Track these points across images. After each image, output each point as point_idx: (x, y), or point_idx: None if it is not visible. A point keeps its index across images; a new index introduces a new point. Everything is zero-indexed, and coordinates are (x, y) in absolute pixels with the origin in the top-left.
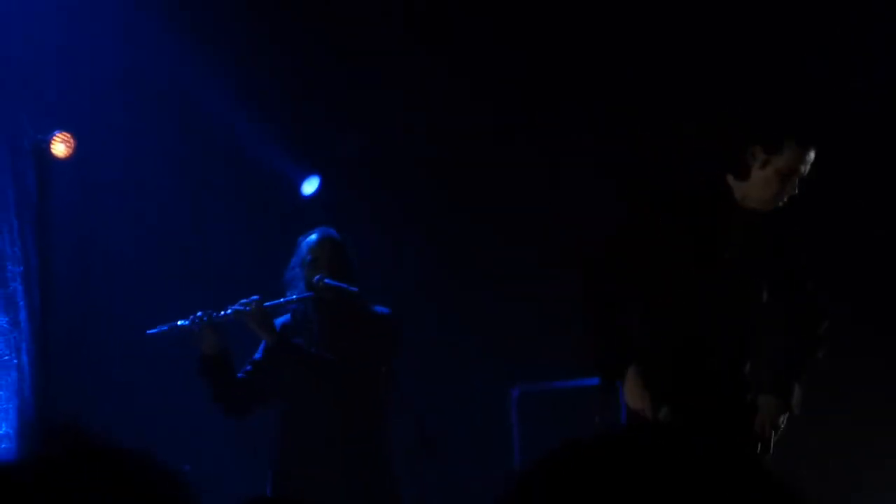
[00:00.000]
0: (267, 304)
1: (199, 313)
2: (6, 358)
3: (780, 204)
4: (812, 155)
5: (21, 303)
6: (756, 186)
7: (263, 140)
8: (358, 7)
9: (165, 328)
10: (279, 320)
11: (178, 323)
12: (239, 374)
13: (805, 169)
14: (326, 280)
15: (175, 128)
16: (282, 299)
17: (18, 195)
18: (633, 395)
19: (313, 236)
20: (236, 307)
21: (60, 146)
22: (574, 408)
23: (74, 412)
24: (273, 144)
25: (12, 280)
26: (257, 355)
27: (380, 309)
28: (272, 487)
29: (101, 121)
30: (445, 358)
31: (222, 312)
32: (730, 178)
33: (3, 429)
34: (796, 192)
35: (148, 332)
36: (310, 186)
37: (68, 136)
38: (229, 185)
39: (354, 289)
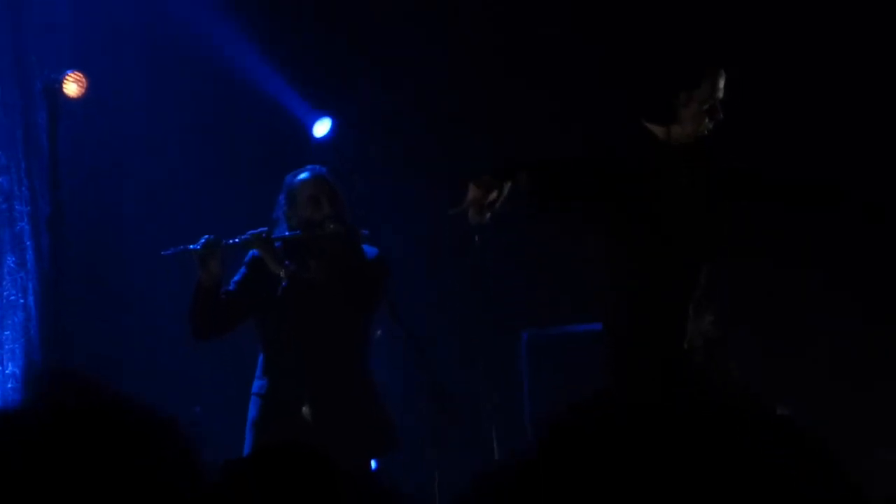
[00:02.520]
0: (274, 235)
1: (208, 236)
2: (12, 298)
3: (706, 132)
4: (723, 78)
5: (28, 243)
6: (686, 123)
7: (279, 81)
8: None
9: (179, 249)
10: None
11: (190, 247)
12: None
13: (721, 92)
14: (341, 224)
15: (189, 68)
16: (287, 233)
17: (27, 134)
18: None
19: (305, 174)
20: (244, 237)
21: (73, 86)
22: (584, 352)
23: (78, 359)
24: (288, 86)
25: (19, 220)
26: (230, 286)
27: (369, 250)
28: (257, 413)
29: (114, 61)
30: (456, 303)
31: (231, 240)
32: (652, 126)
33: (10, 368)
34: (721, 116)
35: (163, 252)
36: (322, 128)
37: (81, 75)
38: (243, 126)
39: (366, 231)
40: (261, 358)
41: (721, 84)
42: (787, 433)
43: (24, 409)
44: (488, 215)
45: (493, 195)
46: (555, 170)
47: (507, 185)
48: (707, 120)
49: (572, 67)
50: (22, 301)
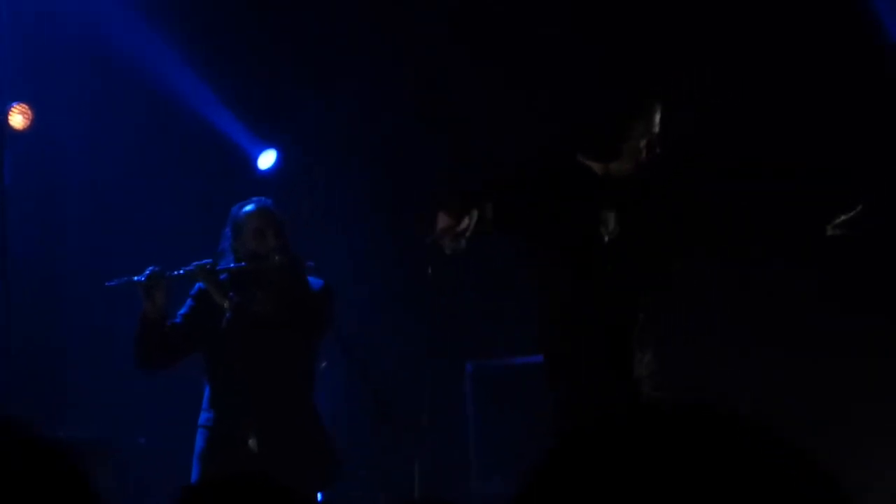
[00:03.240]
0: (219, 267)
1: (153, 267)
2: None
3: (645, 166)
4: (658, 113)
5: None
6: (625, 157)
7: (224, 113)
8: None
9: (123, 281)
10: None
11: (134, 278)
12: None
13: (657, 127)
14: (286, 256)
15: (134, 100)
16: (232, 265)
17: None
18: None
19: (251, 206)
20: (189, 268)
21: (18, 118)
22: (528, 384)
23: (23, 387)
24: (233, 118)
25: None
26: (177, 318)
27: (314, 281)
28: (203, 445)
29: (60, 93)
30: (400, 332)
31: (175, 272)
32: (589, 163)
33: None
34: (658, 150)
35: (107, 283)
36: (266, 160)
37: (26, 107)
38: (189, 157)
39: (311, 263)
40: (207, 390)
41: (657, 119)
42: (759, 444)
43: None
44: (462, 242)
45: (465, 223)
46: (515, 200)
47: (475, 214)
48: (645, 154)
49: (530, 82)
50: None
